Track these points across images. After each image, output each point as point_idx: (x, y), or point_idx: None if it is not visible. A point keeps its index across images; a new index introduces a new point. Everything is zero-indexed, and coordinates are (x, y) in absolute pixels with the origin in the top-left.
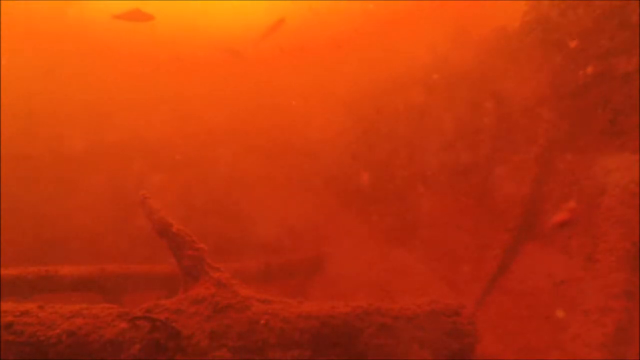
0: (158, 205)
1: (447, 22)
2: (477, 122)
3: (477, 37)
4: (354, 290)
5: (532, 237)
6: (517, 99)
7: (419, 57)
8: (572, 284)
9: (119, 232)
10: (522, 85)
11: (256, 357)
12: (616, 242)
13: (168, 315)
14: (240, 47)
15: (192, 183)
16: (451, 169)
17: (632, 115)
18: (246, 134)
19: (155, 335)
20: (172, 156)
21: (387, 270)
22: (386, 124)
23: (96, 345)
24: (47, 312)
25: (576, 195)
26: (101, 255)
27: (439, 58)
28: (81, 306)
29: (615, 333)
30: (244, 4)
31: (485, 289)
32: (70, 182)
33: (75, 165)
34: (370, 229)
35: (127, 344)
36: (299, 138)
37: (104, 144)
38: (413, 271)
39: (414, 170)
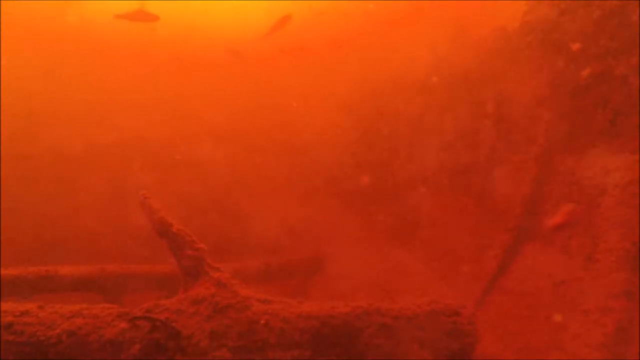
0: (158, 205)
1: (447, 22)
2: (477, 122)
3: (477, 37)
4: (354, 290)
5: (532, 237)
6: (517, 99)
7: (418, 57)
8: (572, 284)
9: (119, 232)
10: (522, 85)
11: (256, 357)
12: (616, 242)
13: (168, 315)
14: (240, 47)
15: (192, 183)
16: (451, 169)
17: (631, 115)
18: (246, 134)
19: (155, 335)
20: (172, 156)
21: (387, 270)
22: (386, 124)
23: (96, 345)
24: (47, 312)
25: (576, 195)
26: (101, 255)
27: (438, 58)
28: (81, 306)
29: (615, 333)
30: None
31: (485, 289)
32: (70, 182)
33: (75, 165)
34: (370, 229)
35: (127, 344)
36: (299, 138)
37: (104, 144)
38: (413, 271)
39: (414, 170)
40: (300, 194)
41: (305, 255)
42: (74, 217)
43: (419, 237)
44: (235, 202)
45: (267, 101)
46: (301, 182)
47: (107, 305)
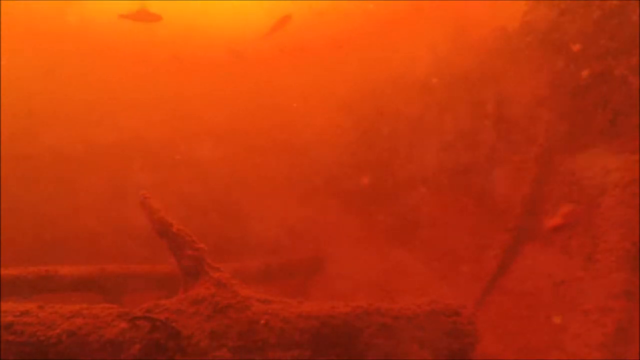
0: (158, 205)
1: (447, 22)
2: (477, 122)
3: (477, 37)
4: (354, 290)
5: (532, 237)
6: (517, 99)
7: (418, 57)
8: (572, 284)
9: (119, 232)
10: (522, 85)
11: (256, 357)
12: (616, 242)
13: (168, 315)
14: (240, 48)
15: (192, 183)
16: (451, 169)
17: (631, 115)
18: (246, 134)
19: (155, 335)
20: (172, 156)
21: (387, 270)
22: (386, 124)
23: (96, 345)
24: (47, 312)
25: (576, 195)
26: (101, 255)
27: (438, 58)
28: (81, 306)
29: (615, 333)
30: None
31: (485, 289)
32: (70, 182)
33: (75, 165)
34: (370, 229)
35: (127, 344)
36: (299, 138)
37: (104, 144)
38: (413, 271)
39: (414, 170)
40: (301, 194)
41: (305, 255)
42: (74, 217)
43: (419, 237)
44: (235, 202)
45: (267, 101)
46: (301, 182)
47: (107, 305)
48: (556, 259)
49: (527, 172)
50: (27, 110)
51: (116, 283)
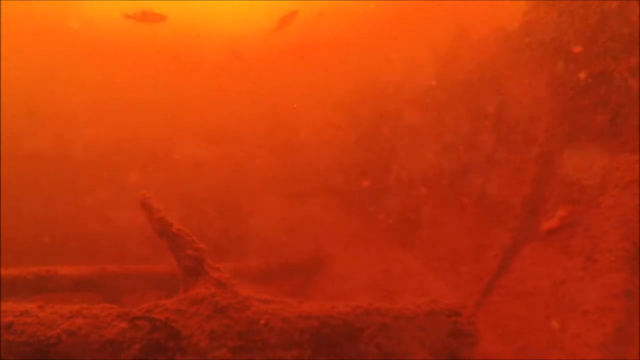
0: (158, 205)
1: (447, 23)
2: (477, 122)
3: (477, 37)
4: (354, 290)
5: (532, 237)
6: (517, 99)
7: (418, 57)
8: (572, 284)
9: (119, 232)
10: (522, 85)
11: (256, 357)
12: (616, 242)
13: (168, 315)
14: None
15: (192, 183)
16: (451, 169)
17: (631, 115)
18: (246, 134)
19: (155, 335)
20: (172, 156)
21: (387, 270)
22: (386, 124)
23: (96, 345)
24: (47, 312)
25: (576, 195)
26: (101, 255)
27: (438, 58)
28: (81, 306)
29: (615, 333)
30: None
31: (485, 289)
32: (70, 182)
33: (75, 165)
34: (371, 229)
35: (127, 344)
36: (300, 138)
37: (104, 144)
38: (413, 271)
39: (414, 170)
40: (301, 194)
41: (305, 255)
42: (74, 217)
43: (419, 237)
44: (235, 202)
45: (267, 101)
46: (301, 182)
47: (107, 305)
48: (556, 259)
49: (527, 172)
50: (27, 110)
51: (116, 283)
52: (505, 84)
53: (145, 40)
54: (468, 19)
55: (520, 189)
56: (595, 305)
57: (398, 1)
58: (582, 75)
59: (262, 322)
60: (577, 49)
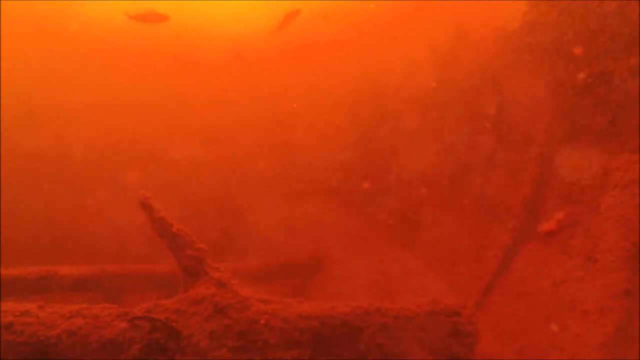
0: (158, 205)
1: (447, 23)
2: (477, 122)
3: (477, 37)
4: (354, 290)
5: (532, 237)
6: (517, 99)
7: (418, 57)
8: (572, 284)
9: (119, 232)
10: (522, 85)
11: (256, 357)
12: (616, 242)
13: (168, 315)
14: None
15: (192, 183)
16: (451, 169)
17: (631, 115)
18: (246, 134)
19: (155, 335)
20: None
21: (387, 270)
22: (387, 124)
23: (96, 345)
24: (47, 312)
25: (576, 195)
26: (101, 255)
27: (438, 58)
28: (81, 306)
29: (615, 333)
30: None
31: (485, 289)
32: (70, 182)
33: (75, 165)
34: (371, 229)
35: (127, 344)
36: (300, 138)
37: (104, 144)
38: (413, 271)
39: (414, 170)
40: (301, 194)
41: (305, 255)
42: (74, 217)
43: (419, 237)
44: (235, 202)
45: (268, 101)
46: (301, 182)
47: (107, 305)
48: (556, 259)
49: (526, 172)
50: (27, 110)
51: (116, 283)
52: (505, 84)
53: (145, 40)
54: (468, 19)
55: (520, 189)
56: (595, 305)
57: (398, 1)
58: (582, 75)
59: (262, 322)
60: (577, 49)
